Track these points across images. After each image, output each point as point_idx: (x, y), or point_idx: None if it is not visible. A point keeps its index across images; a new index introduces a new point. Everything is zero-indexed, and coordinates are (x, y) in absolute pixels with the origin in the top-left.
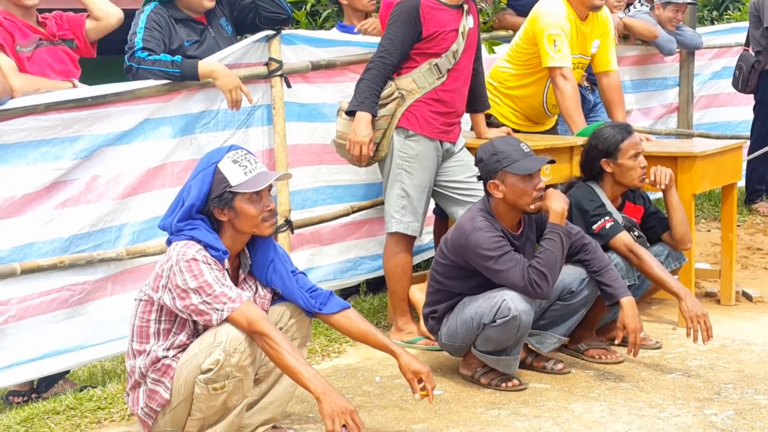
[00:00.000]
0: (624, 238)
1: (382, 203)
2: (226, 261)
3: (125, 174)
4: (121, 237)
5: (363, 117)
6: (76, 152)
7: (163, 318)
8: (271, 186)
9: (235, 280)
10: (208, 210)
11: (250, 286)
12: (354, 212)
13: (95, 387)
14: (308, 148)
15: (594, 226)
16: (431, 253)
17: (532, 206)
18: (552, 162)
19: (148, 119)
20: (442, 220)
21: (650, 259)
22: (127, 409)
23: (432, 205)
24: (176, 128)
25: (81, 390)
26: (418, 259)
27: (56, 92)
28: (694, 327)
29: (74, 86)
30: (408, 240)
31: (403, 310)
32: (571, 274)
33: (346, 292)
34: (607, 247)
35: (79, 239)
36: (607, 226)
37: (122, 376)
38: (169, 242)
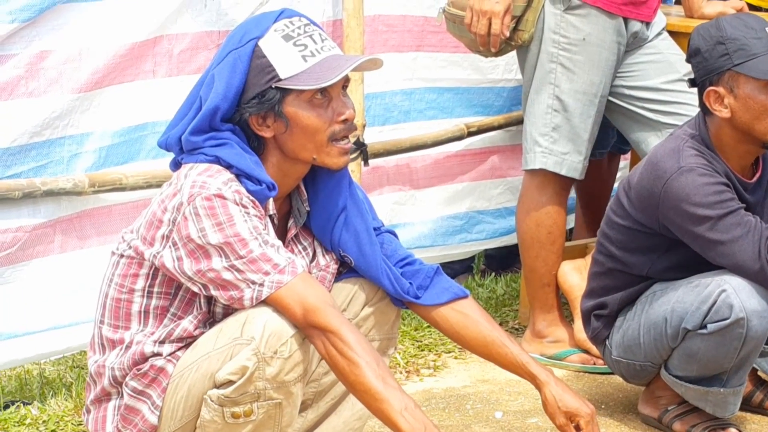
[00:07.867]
0: None
1: (520, 122)
2: (271, 203)
3: (93, 51)
4: (81, 155)
5: None
6: (12, 11)
7: (156, 289)
8: (347, 79)
9: (282, 237)
10: (241, 118)
11: (303, 249)
12: (470, 134)
13: (29, 403)
14: (399, 21)
15: None
16: None
17: None
18: None
19: None
20: (620, 153)
21: None
22: None
23: None
24: None
25: (6, 407)
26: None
27: None
28: None
29: None
30: (561, 184)
31: (546, 302)
32: None
33: (452, 270)
34: None
35: (12, 156)
36: None
37: (75, 386)
38: (176, 165)
